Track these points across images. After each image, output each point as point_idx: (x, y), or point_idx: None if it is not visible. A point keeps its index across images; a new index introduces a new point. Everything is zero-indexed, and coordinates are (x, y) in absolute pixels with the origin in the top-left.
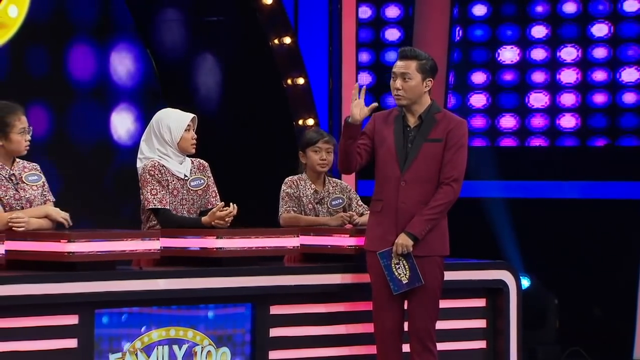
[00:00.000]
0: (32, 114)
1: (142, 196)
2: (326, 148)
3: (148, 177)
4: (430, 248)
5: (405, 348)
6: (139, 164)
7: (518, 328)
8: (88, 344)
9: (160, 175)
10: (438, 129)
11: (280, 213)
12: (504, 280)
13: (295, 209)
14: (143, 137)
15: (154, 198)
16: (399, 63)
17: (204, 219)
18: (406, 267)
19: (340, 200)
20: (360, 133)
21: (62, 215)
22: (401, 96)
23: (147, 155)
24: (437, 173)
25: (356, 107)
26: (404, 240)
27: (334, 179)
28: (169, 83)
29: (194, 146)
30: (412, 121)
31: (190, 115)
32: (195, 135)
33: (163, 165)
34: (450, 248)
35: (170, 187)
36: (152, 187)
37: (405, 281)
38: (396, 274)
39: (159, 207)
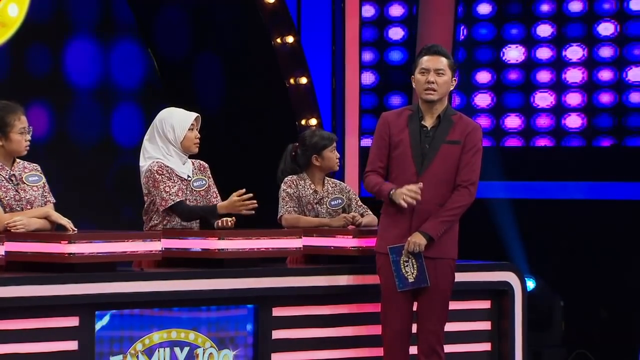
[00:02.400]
0: (32, 113)
1: (146, 197)
2: (335, 146)
3: (157, 176)
4: (444, 250)
5: (412, 350)
6: (142, 163)
7: (523, 330)
8: (88, 346)
9: (167, 174)
10: (456, 131)
11: (281, 214)
12: (509, 282)
13: (296, 209)
14: (146, 137)
15: (169, 195)
16: (429, 58)
17: (221, 205)
18: (415, 266)
19: (340, 201)
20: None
21: (63, 220)
22: (434, 90)
23: (152, 154)
24: (453, 175)
25: (403, 195)
26: (418, 239)
27: (332, 179)
28: (170, 83)
29: (197, 145)
30: (429, 121)
31: (194, 115)
32: (199, 135)
33: (167, 166)
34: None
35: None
36: (165, 185)
37: (411, 280)
38: (403, 271)
39: (177, 200)
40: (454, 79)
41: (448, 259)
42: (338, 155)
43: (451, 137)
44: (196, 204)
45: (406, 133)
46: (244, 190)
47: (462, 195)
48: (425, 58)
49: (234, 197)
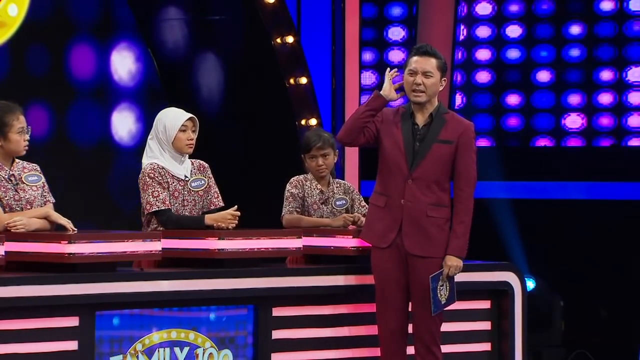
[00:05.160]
0: (32, 113)
1: (142, 200)
2: (321, 153)
3: (148, 180)
4: (435, 250)
5: (410, 350)
6: (144, 161)
7: (523, 330)
8: (88, 346)
9: (160, 177)
10: (448, 130)
11: (282, 213)
12: (509, 282)
13: (299, 210)
14: (149, 136)
15: (156, 200)
16: (418, 59)
17: (209, 216)
18: (447, 287)
19: (344, 202)
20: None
21: (63, 220)
22: (421, 92)
23: (152, 153)
24: (444, 173)
25: (390, 85)
26: (456, 262)
27: (337, 179)
28: (170, 83)
29: (190, 147)
30: (421, 120)
31: (186, 115)
32: (192, 136)
33: (162, 167)
34: None
35: (170, 189)
36: (153, 189)
37: (443, 302)
38: (439, 295)
39: (163, 208)
40: (443, 79)
41: (438, 258)
42: (320, 163)
43: (443, 137)
44: (194, 204)
45: (399, 131)
46: (238, 213)
47: (467, 201)
48: (414, 59)
49: (229, 213)
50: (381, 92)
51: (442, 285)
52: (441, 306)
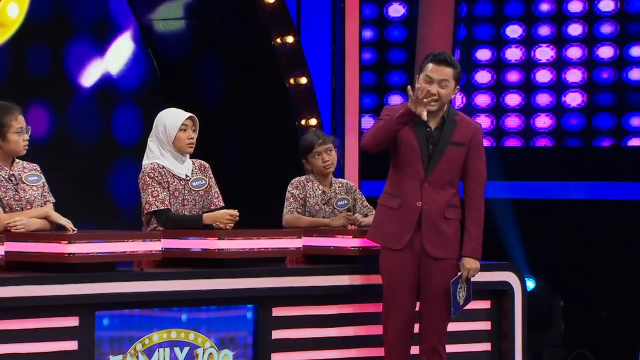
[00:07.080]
0: (32, 114)
1: (142, 199)
2: (325, 149)
3: (148, 179)
4: (448, 251)
5: (414, 350)
6: (144, 162)
7: (523, 330)
8: (88, 346)
9: (160, 177)
10: (460, 132)
11: (283, 213)
12: (509, 282)
13: (300, 210)
14: (149, 137)
15: (155, 200)
16: (435, 67)
17: (207, 215)
18: (465, 288)
19: (346, 201)
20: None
21: (63, 220)
22: (435, 102)
23: (152, 153)
24: (456, 175)
25: (416, 104)
26: (474, 264)
27: (339, 179)
28: (170, 83)
29: (191, 146)
30: (433, 123)
31: (186, 115)
32: (192, 136)
33: (163, 167)
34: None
35: (171, 188)
36: (153, 189)
37: (461, 302)
38: (458, 297)
39: (162, 207)
40: (457, 87)
41: (452, 259)
42: (326, 159)
43: (456, 139)
44: (194, 204)
45: (413, 134)
46: (237, 214)
47: (478, 202)
48: (430, 66)
49: (227, 213)
50: (410, 108)
51: (460, 288)
52: (460, 307)
